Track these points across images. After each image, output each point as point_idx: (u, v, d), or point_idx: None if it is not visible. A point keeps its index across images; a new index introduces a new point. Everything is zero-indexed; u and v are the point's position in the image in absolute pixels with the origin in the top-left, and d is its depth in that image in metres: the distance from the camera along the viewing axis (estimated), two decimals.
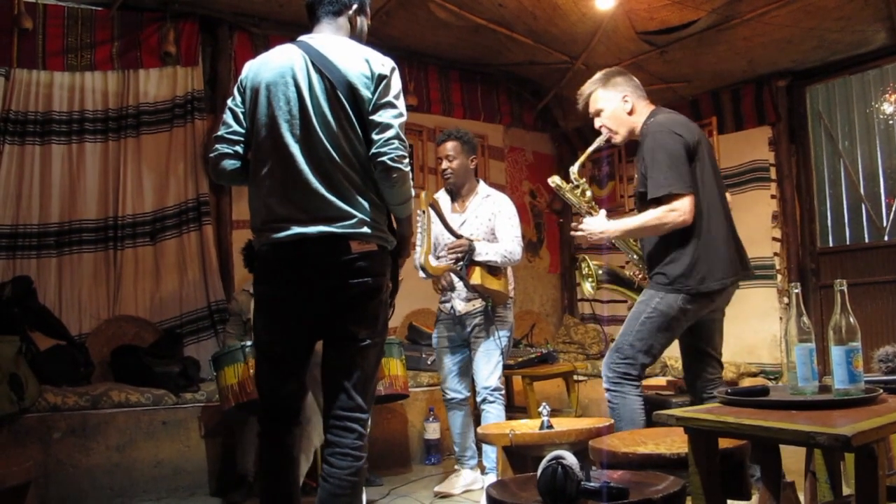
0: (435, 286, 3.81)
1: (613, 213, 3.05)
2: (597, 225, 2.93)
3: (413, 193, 2.29)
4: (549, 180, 3.20)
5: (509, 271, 3.84)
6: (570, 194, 3.12)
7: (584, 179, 3.16)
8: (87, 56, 4.44)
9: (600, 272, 3.24)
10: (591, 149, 3.10)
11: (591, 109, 3.06)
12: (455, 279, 3.69)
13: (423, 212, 3.57)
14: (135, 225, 4.52)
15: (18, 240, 4.18)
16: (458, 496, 3.75)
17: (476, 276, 3.58)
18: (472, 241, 3.60)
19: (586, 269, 3.28)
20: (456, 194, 3.88)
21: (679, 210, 2.70)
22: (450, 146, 3.79)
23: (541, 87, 6.32)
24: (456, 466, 3.93)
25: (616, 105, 2.99)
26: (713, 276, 2.76)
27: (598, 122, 3.05)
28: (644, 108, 2.98)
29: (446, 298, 3.85)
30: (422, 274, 3.64)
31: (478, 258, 3.59)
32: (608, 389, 2.82)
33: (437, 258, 3.74)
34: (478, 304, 3.73)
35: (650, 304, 2.78)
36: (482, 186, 3.89)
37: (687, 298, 2.74)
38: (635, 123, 2.97)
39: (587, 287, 3.30)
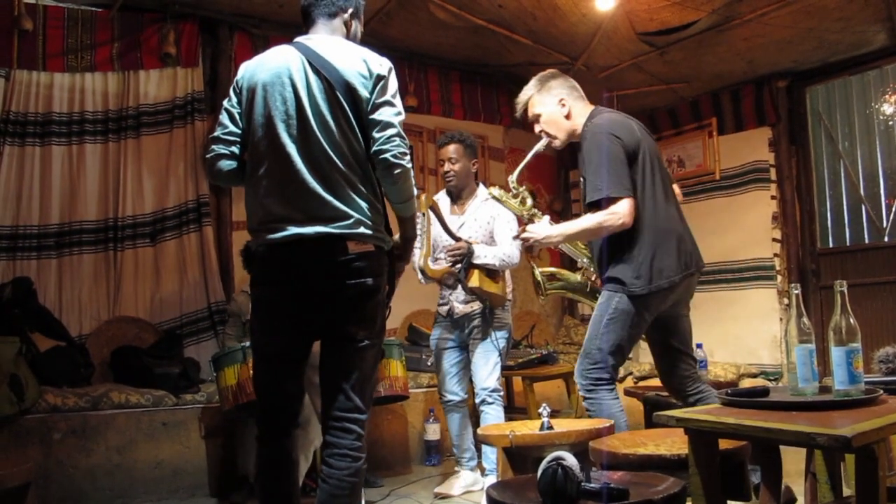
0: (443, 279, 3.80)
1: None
2: (539, 231, 2.93)
3: (416, 192, 2.29)
4: (489, 191, 3.23)
5: (507, 273, 3.84)
6: (512, 202, 3.14)
7: (524, 187, 3.16)
8: (88, 57, 4.44)
9: (545, 281, 3.26)
10: (529, 156, 3.10)
11: (529, 115, 3.07)
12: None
13: (423, 214, 3.58)
14: (135, 226, 4.52)
15: (18, 241, 4.18)
16: (457, 497, 3.75)
17: (474, 279, 3.58)
18: (470, 244, 3.61)
19: (537, 276, 3.31)
20: (456, 197, 3.89)
21: (618, 213, 2.70)
22: (452, 149, 3.81)
23: None
24: (456, 468, 3.93)
25: (553, 109, 2.99)
26: (665, 273, 2.75)
27: (537, 128, 3.05)
28: (583, 110, 2.97)
29: (444, 301, 3.86)
30: (420, 277, 3.65)
31: (476, 261, 3.60)
32: (584, 397, 2.82)
33: (436, 259, 3.75)
34: (476, 305, 3.73)
35: (610, 305, 2.78)
36: (482, 189, 3.90)
37: (643, 296, 2.74)
38: (574, 126, 2.96)
39: (539, 296, 3.34)
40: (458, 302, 3.77)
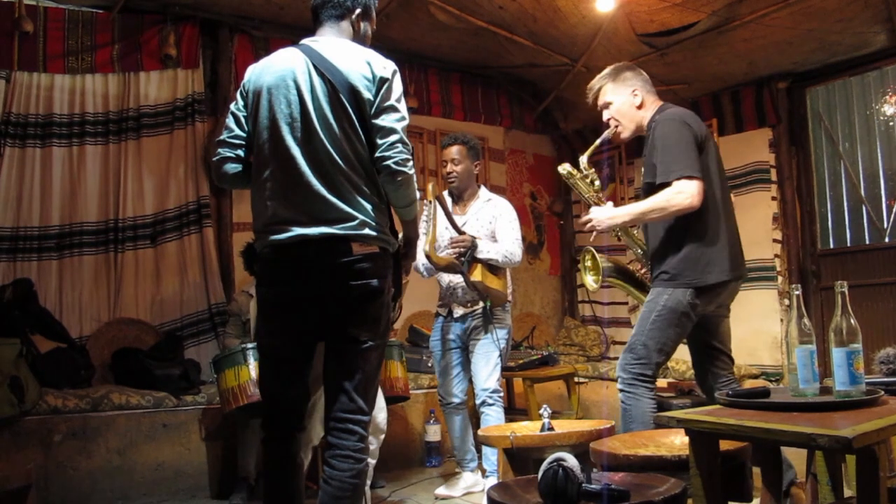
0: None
1: None
2: (604, 212, 2.93)
3: (418, 196, 2.29)
4: (560, 167, 3.18)
5: (508, 274, 3.86)
6: (581, 182, 3.12)
7: (594, 170, 3.15)
8: (88, 59, 4.44)
9: (606, 264, 3.20)
10: (599, 140, 3.10)
11: (600, 102, 3.07)
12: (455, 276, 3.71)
13: (430, 202, 3.61)
14: (135, 227, 4.53)
15: (19, 242, 4.19)
16: (458, 498, 3.75)
17: (477, 274, 3.62)
18: (475, 238, 3.63)
19: (590, 261, 3.22)
20: (458, 198, 3.92)
21: (687, 192, 2.69)
22: (455, 150, 3.84)
23: (541, 89, 6.33)
24: (457, 469, 3.94)
25: (625, 99, 3.00)
26: (716, 269, 2.77)
27: (606, 115, 3.06)
28: (652, 104, 3.00)
29: (444, 301, 3.87)
30: (424, 261, 3.64)
31: (479, 255, 3.63)
32: (622, 390, 2.81)
33: (436, 250, 3.77)
34: (476, 305, 3.75)
35: (658, 302, 2.78)
36: (483, 191, 3.94)
37: (693, 293, 2.75)
38: (643, 118, 2.98)
39: (588, 281, 3.24)
40: (459, 302, 3.79)
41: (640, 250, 3.18)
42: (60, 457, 3.53)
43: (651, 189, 2.82)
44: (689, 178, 2.70)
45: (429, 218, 3.62)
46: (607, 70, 3.07)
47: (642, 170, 3.00)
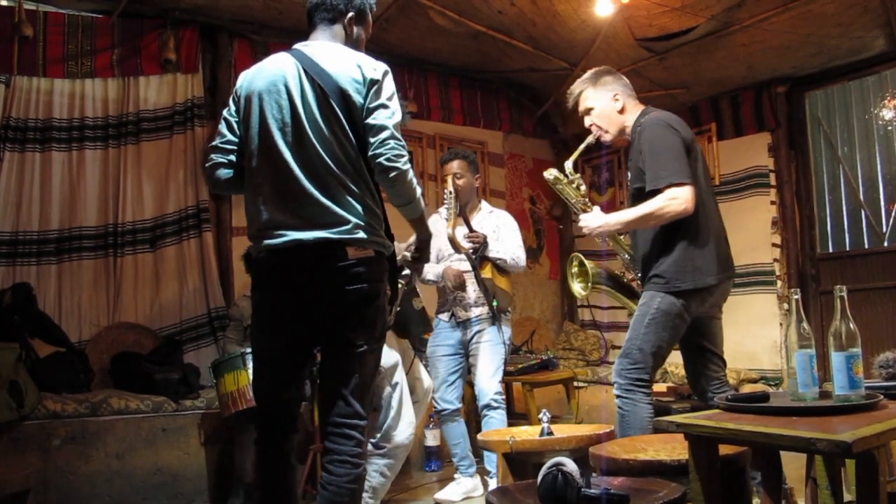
0: (454, 281, 3.83)
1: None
2: (594, 220, 2.92)
3: (418, 194, 2.25)
4: (546, 173, 3.19)
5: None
6: (567, 188, 3.13)
7: (579, 175, 3.16)
8: (88, 63, 4.45)
9: (596, 270, 3.20)
10: (583, 145, 3.11)
11: (581, 108, 3.07)
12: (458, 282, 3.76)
13: (450, 192, 3.71)
14: (135, 232, 4.52)
15: (18, 247, 4.18)
16: (458, 503, 3.75)
17: (487, 271, 3.74)
18: (486, 236, 3.76)
19: (577, 267, 3.23)
20: (460, 211, 3.96)
21: (680, 198, 2.69)
22: (456, 164, 3.92)
23: (540, 93, 6.34)
24: (456, 474, 3.93)
25: (606, 104, 3.00)
26: (708, 271, 2.77)
27: (588, 121, 3.05)
28: (634, 108, 3.00)
29: (446, 306, 3.91)
30: (437, 271, 3.74)
31: (490, 254, 3.76)
32: (619, 396, 2.79)
33: (438, 260, 3.85)
34: (478, 311, 3.80)
35: (652, 306, 2.77)
36: (484, 203, 4.10)
37: (686, 295, 2.75)
38: (625, 122, 2.98)
39: (576, 288, 3.26)
40: (461, 307, 3.83)
41: (627, 256, 3.18)
42: (59, 461, 3.52)
43: (640, 194, 2.82)
44: (681, 184, 2.70)
45: (449, 207, 3.69)
46: (587, 75, 3.06)
47: (628, 174, 3.00)
